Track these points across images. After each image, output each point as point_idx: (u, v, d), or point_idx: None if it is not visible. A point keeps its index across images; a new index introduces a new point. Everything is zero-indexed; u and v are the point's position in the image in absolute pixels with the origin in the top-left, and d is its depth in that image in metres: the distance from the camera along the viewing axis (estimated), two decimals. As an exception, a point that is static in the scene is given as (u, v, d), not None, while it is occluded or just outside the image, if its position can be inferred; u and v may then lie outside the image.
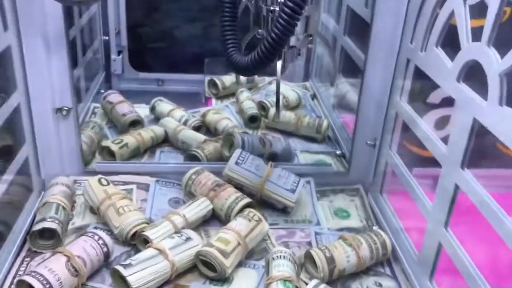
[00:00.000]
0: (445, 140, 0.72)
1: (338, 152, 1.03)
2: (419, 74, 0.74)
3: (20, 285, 0.62)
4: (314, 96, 1.30)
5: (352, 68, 1.07)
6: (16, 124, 0.73)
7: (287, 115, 1.10)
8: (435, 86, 0.75)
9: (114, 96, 1.10)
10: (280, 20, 0.57)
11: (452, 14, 0.60)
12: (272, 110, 1.11)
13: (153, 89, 1.33)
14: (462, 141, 0.57)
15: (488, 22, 0.52)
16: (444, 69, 0.61)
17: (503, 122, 0.50)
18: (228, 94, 1.26)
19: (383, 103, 0.81)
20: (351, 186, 0.93)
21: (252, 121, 1.12)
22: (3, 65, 0.68)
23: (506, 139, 0.49)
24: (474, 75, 0.57)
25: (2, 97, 0.70)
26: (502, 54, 0.51)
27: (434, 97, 0.87)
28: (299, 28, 0.61)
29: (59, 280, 0.63)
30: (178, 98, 1.18)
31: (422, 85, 0.81)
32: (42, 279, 0.62)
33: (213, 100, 1.25)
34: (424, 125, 0.68)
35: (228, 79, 1.26)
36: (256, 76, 1.31)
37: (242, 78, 1.29)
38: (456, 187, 0.59)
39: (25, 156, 0.76)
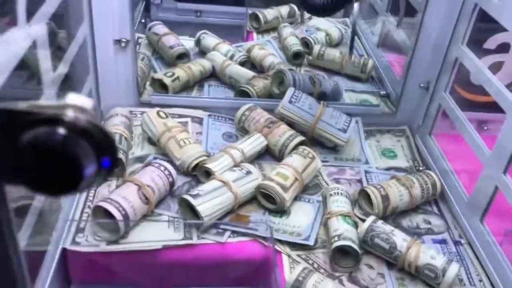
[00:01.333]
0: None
1: (382, 92, 1.04)
2: (478, 20, 0.74)
3: (96, 210, 0.66)
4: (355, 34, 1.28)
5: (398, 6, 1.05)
6: (82, 56, 0.74)
7: (332, 53, 1.10)
8: (492, 33, 0.74)
9: (159, 27, 1.10)
10: None
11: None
12: (317, 47, 1.10)
13: (191, 20, 1.32)
14: (534, 90, 0.58)
15: None
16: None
17: None
18: (269, 28, 1.25)
19: (442, 46, 0.81)
20: (398, 127, 0.94)
21: (295, 57, 1.12)
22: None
23: None
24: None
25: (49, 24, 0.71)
26: None
27: (491, 43, 0.87)
28: None
29: (132, 207, 0.67)
30: (217, 31, 1.18)
31: (481, 31, 0.81)
32: (117, 205, 0.65)
33: (254, 34, 1.24)
34: (491, 74, 0.69)
35: (270, 12, 1.25)
36: (296, 10, 1.29)
37: (283, 12, 1.27)
38: (522, 135, 0.61)
39: (89, 87, 0.78)
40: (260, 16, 1.23)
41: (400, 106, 0.93)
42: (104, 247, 0.65)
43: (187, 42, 1.14)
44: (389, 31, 1.11)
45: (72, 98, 0.30)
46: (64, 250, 0.65)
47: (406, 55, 0.92)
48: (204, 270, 0.68)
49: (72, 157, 0.26)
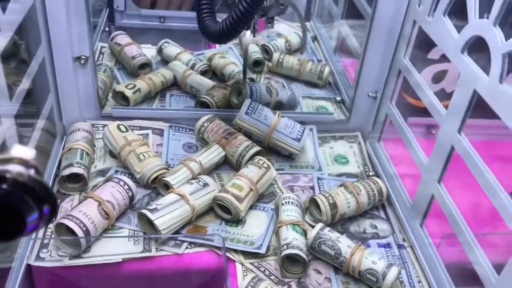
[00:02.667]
0: (439, 93, 0.79)
1: (338, 98, 1.08)
2: (422, 32, 0.79)
3: (59, 227, 0.70)
4: (315, 38, 1.33)
5: (356, 13, 1.10)
6: (42, 76, 0.77)
7: (291, 61, 1.14)
8: (435, 44, 0.79)
9: (121, 38, 1.12)
10: None
11: (461, -13, 0.63)
12: (276, 55, 1.14)
13: (155, 26, 1.34)
14: (462, 108, 0.63)
15: (497, 2, 0.56)
16: (450, 39, 0.66)
17: (501, 99, 0.56)
18: (231, 34, 1.28)
19: (387, 58, 0.86)
20: (351, 133, 0.99)
21: (256, 65, 1.15)
22: (30, 21, 0.71)
23: (502, 114, 0.56)
24: (478, 49, 0.62)
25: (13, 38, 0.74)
26: (506, 34, 0.56)
27: (434, 54, 0.92)
28: None
29: (93, 222, 0.70)
30: (181, 36, 1.21)
31: (424, 43, 0.86)
32: (78, 222, 0.69)
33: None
34: (428, 90, 0.73)
35: (232, 19, 1.27)
36: (257, 17, 1.32)
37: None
38: (452, 148, 0.66)
39: (51, 105, 0.81)
40: None
41: (353, 114, 0.98)
42: (67, 262, 0.68)
43: (150, 51, 1.17)
44: (344, 37, 1.16)
45: (17, 150, 0.34)
46: (29, 266, 0.68)
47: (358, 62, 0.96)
48: (164, 280, 0.72)
49: (15, 209, 0.30)
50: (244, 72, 0.94)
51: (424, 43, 0.88)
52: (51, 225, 0.73)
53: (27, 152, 0.33)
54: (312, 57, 1.24)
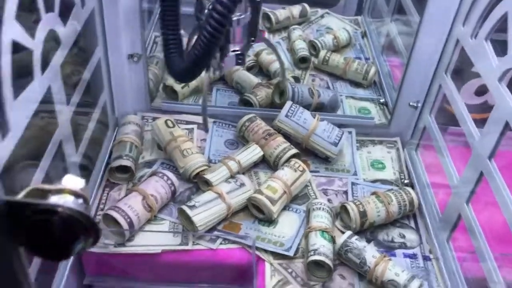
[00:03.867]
0: (481, 106, 0.79)
1: (381, 100, 1.09)
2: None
3: (105, 217, 0.77)
4: (364, 34, 1.33)
5: (404, 16, 1.09)
6: (97, 72, 0.83)
7: (336, 59, 1.15)
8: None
9: (174, 30, 1.17)
10: (204, 33, 0.57)
11: (505, 16, 0.63)
12: (322, 53, 1.16)
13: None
14: (494, 136, 0.64)
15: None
16: (488, 65, 0.66)
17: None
18: (280, 28, 1.30)
19: (429, 72, 0.86)
20: (390, 138, 1.01)
21: (302, 61, 1.18)
22: (89, 26, 0.77)
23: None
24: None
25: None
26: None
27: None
28: (241, 33, 0.62)
29: (137, 215, 0.77)
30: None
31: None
32: (124, 214, 0.76)
33: (266, 33, 1.30)
34: (466, 114, 0.74)
35: (282, 13, 1.30)
36: (308, 9, 1.33)
37: (295, 12, 1.32)
38: (481, 174, 0.67)
39: (105, 98, 0.87)
40: (272, 16, 1.28)
41: (394, 118, 0.99)
42: (112, 249, 0.75)
43: (201, 42, 1.21)
44: (392, 38, 1.15)
45: (68, 180, 0.39)
46: (79, 249, 0.75)
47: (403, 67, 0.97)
48: (198, 272, 0.78)
49: (64, 239, 0.36)
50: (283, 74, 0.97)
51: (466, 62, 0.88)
52: (99, 215, 0.80)
53: (77, 182, 0.39)
54: (359, 55, 1.24)
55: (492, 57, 0.66)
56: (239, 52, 0.68)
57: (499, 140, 0.64)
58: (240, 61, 0.68)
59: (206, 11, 0.62)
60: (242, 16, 0.66)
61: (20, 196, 0.36)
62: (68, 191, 0.38)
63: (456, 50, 0.78)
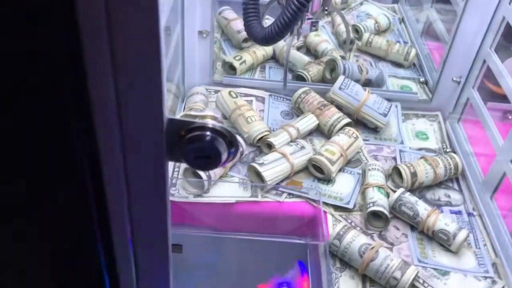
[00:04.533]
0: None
1: (422, 79, 1.18)
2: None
3: (186, 170, 0.86)
4: (402, 20, 1.41)
5: (443, 2, 1.18)
6: (176, 48, 0.93)
7: (379, 41, 1.24)
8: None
9: (228, 13, 1.26)
10: (292, 7, 0.65)
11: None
12: (366, 35, 1.25)
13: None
14: (539, 99, 0.73)
15: None
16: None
17: None
18: (324, 13, 1.39)
19: (473, 47, 0.95)
20: (432, 112, 1.09)
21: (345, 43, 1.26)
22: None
23: None
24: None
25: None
26: None
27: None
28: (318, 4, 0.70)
29: (213, 170, 0.86)
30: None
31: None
32: (202, 168, 0.85)
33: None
34: (510, 80, 0.83)
35: (325, -1, 1.38)
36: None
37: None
38: (527, 133, 0.76)
39: (179, 71, 0.97)
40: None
41: (435, 95, 1.08)
42: (191, 199, 0.85)
43: (251, 25, 1.31)
44: (431, 22, 1.24)
45: (208, 111, 0.49)
46: (161, 200, 0.85)
47: (444, 47, 1.05)
48: (266, 222, 0.87)
49: (216, 150, 0.46)
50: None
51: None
52: (177, 168, 0.90)
53: (216, 112, 0.48)
54: (398, 39, 1.33)
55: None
56: (313, 20, 0.76)
57: (545, 102, 0.72)
58: (314, 28, 0.77)
59: None
60: None
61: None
62: (210, 117, 0.48)
63: (501, 27, 0.87)
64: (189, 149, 0.46)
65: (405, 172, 0.89)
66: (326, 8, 0.76)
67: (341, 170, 0.94)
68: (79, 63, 0.31)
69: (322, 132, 1.02)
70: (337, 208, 0.86)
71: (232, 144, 0.47)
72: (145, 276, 0.57)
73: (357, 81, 1.08)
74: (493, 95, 1.05)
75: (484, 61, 0.92)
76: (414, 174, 0.89)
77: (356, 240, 0.76)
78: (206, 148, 0.46)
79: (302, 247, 0.89)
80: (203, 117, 0.48)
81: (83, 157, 0.38)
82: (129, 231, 0.52)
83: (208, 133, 0.46)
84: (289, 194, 0.88)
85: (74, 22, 0.29)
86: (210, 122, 0.47)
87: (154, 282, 0.58)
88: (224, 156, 0.47)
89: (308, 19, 0.76)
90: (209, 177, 0.85)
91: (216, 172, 0.87)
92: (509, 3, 0.84)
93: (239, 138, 0.92)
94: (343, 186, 0.91)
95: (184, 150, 0.46)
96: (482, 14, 0.91)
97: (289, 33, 0.74)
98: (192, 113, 0.48)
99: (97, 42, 0.30)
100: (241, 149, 0.92)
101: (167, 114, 0.46)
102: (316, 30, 0.80)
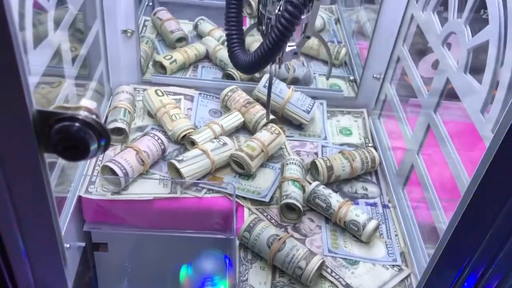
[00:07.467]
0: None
1: (351, 77, 1.21)
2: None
3: (104, 168, 0.87)
4: (337, 21, 1.44)
5: (372, 3, 1.21)
6: (95, 45, 0.93)
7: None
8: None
9: (163, 13, 1.27)
10: (276, 31, 0.61)
11: (446, -10, 0.75)
12: (298, 35, 1.27)
13: (194, 3, 1.48)
14: (438, 91, 0.76)
15: (469, 4, 0.68)
16: (434, 33, 0.78)
17: (464, 87, 0.68)
18: (260, 14, 1.41)
19: (390, 45, 0.98)
20: (358, 109, 1.12)
21: (280, 43, 1.29)
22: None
23: (463, 98, 0.68)
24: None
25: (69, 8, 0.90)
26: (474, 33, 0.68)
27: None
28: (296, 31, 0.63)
29: (131, 167, 0.87)
30: (218, 12, 1.34)
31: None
32: (120, 165, 0.86)
33: (247, 19, 1.41)
34: (417, 75, 0.86)
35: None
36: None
37: None
38: (429, 126, 0.79)
39: (101, 70, 0.97)
40: (253, 2, 1.39)
41: (360, 92, 1.11)
42: (109, 196, 0.85)
43: (187, 26, 1.32)
44: (362, 22, 1.27)
45: (84, 101, 0.49)
46: (79, 197, 0.85)
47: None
48: (185, 218, 0.88)
49: (83, 140, 0.46)
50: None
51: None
52: (98, 167, 0.90)
53: (91, 103, 0.49)
54: (333, 39, 1.36)
55: (437, 25, 0.78)
56: (295, 47, 0.72)
57: (441, 95, 0.76)
58: (296, 55, 0.73)
59: (274, 9, 0.66)
60: (304, 16, 0.68)
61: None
62: (84, 108, 0.48)
63: (412, 24, 0.90)
64: (56, 139, 0.47)
65: (321, 166, 0.91)
66: (308, 35, 0.72)
67: (262, 165, 0.96)
68: None
69: (248, 129, 1.04)
70: (254, 202, 0.88)
71: (101, 135, 0.48)
72: (39, 271, 0.57)
73: (284, 79, 1.10)
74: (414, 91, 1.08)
75: (398, 58, 0.95)
76: (330, 168, 0.92)
77: (265, 231, 0.78)
78: (72, 138, 0.47)
79: (224, 241, 0.91)
80: (77, 108, 0.49)
81: None
82: (17, 228, 0.52)
83: (76, 124, 0.47)
84: (209, 189, 0.89)
85: None
86: (81, 113, 0.48)
87: (49, 277, 0.59)
88: (94, 147, 0.48)
89: (289, 46, 0.71)
90: (126, 174, 0.85)
91: (134, 169, 0.87)
92: (416, 2, 0.87)
93: (160, 135, 0.93)
94: (263, 181, 0.93)
95: (52, 141, 0.47)
96: (395, 12, 0.95)
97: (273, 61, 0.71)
98: (66, 104, 0.48)
99: None
100: (162, 147, 0.93)
101: (34, 106, 0.46)
102: (298, 58, 0.77)
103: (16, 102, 0.43)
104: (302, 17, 0.64)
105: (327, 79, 0.93)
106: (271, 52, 0.64)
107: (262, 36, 0.74)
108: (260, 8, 0.70)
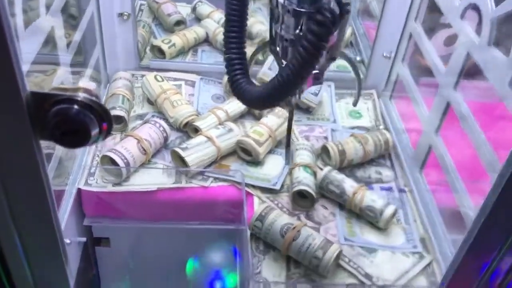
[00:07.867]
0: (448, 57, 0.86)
1: (358, 58, 1.16)
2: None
3: (103, 159, 0.82)
4: (340, 1, 1.39)
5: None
6: (90, 30, 0.88)
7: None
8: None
9: (159, -4, 1.22)
10: (298, 58, 0.48)
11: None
12: (301, 16, 1.22)
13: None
14: (457, 68, 0.71)
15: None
16: (452, 6, 0.73)
17: (489, 60, 0.63)
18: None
19: (400, 22, 0.93)
20: (367, 90, 1.08)
21: (282, 24, 1.23)
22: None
23: (488, 73, 0.63)
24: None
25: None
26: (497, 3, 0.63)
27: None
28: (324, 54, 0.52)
29: (132, 156, 0.82)
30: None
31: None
32: (120, 155, 0.81)
33: (252, 3, 1.35)
34: (432, 51, 0.81)
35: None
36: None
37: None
38: (448, 104, 0.74)
39: (97, 55, 0.92)
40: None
41: (369, 72, 1.06)
42: (110, 188, 0.81)
43: (185, 9, 1.26)
44: (368, 1, 1.22)
45: (83, 83, 0.45)
46: (78, 190, 0.81)
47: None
48: (191, 209, 0.84)
49: (83, 123, 0.41)
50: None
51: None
52: (97, 157, 0.85)
53: (90, 84, 0.44)
54: (336, 19, 1.31)
55: (455, -3, 0.73)
56: (317, 72, 0.59)
57: (461, 71, 0.71)
58: (317, 80, 0.60)
59: (293, 28, 0.53)
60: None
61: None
62: (83, 90, 0.43)
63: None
64: (53, 123, 0.42)
65: (333, 150, 0.87)
66: (334, 56, 0.58)
67: (271, 151, 0.91)
68: None
69: (253, 114, 0.99)
70: (264, 190, 0.84)
71: (102, 118, 0.43)
72: (38, 270, 0.53)
73: (289, 61, 1.05)
74: (427, 71, 1.03)
75: (410, 35, 0.90)
76: (342, 152, 0.87)
77: (278, 220, 0.74)
78: (70, 121, 0.42)
79: (232, 232, 0.86)
80: (75, 89, 0.44)
81: None
82: (12, 224, 0.48)
83: (74, 106, 0.42)
84: (215, 178, 0.84)
85: None
86: (80, 95, 0.43)
87: (50, 276, 0.54)
88: (95, 132, 0.43)
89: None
90: (127, 164, 0.81)
91: (136, 159, 0.82)
92: (429, -27, 0.82)
93: (162, 122, 0.88)
94: (273, 168, 0.88)
95: (49, 126, 0.42)
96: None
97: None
98: (63, 86, 0.43)
99: None
100: (164, 135, 0.88)
101: (27, 88, 0.41)
102: (321, 83, 0.62)
103: (6, 83, 0.38)
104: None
105: (354, 105, 0.78)
106: (291, 85, 0.51)
107: (275, 57, 0.62)
108: (273, 26, 0.57)
